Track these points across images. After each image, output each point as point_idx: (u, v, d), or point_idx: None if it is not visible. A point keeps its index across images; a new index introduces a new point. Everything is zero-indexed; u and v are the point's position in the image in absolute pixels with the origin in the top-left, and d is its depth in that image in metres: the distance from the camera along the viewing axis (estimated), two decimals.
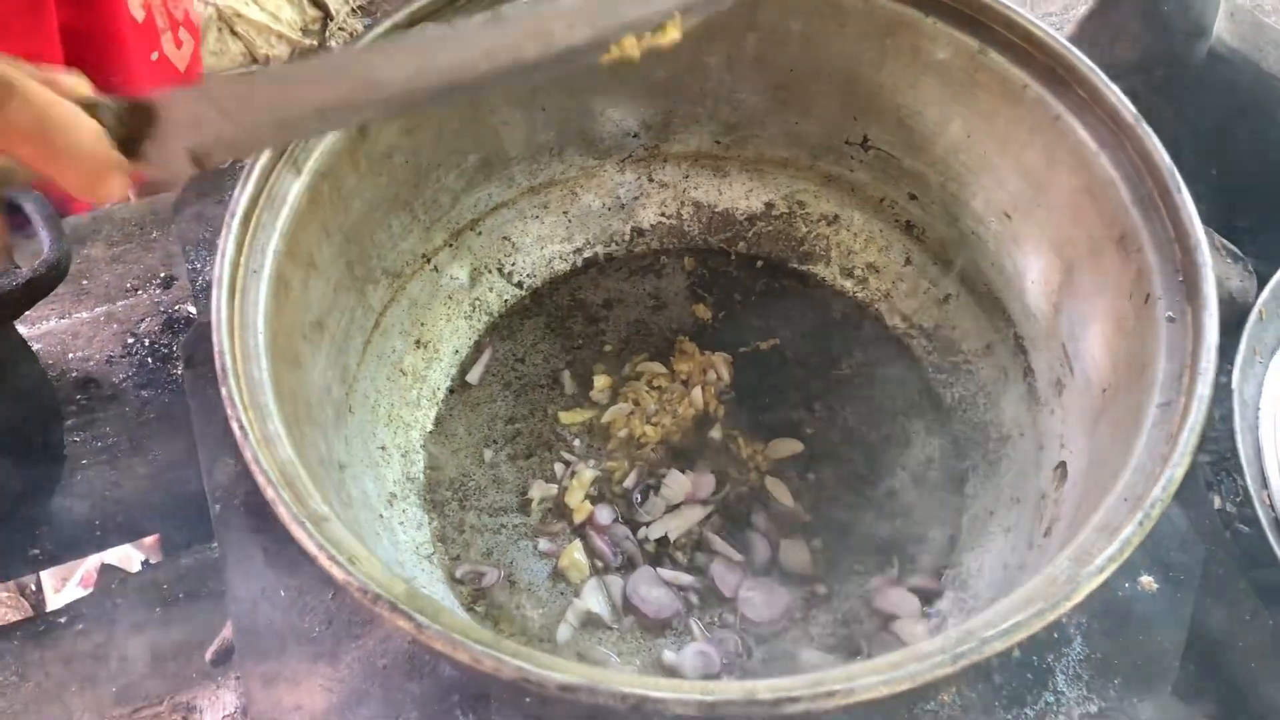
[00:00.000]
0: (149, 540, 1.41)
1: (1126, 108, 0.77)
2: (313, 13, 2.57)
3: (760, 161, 1.01)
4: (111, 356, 1.22)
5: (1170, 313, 0.70)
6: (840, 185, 1.00)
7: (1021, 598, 0.57)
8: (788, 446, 0.93)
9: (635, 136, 0.99)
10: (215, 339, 0.66)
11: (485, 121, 0.91)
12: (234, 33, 2.44)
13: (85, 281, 1.34)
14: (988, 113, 0.86)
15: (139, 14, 1.27)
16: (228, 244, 0.70)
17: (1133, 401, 0.70)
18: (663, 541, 0.88)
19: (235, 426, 0.63)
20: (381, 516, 0.85)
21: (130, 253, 1.38)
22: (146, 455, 1.10)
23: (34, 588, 1.67)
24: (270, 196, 0.74)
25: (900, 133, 0.93)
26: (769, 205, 1.03)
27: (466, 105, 0.88)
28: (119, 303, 1.30)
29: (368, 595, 0.57)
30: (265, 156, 0.73)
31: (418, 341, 0.95)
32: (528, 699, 0.56)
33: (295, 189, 0.75)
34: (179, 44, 1.38)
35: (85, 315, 1.27)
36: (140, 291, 1.32)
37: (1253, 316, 1.04)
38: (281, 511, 0.60)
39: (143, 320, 1.24)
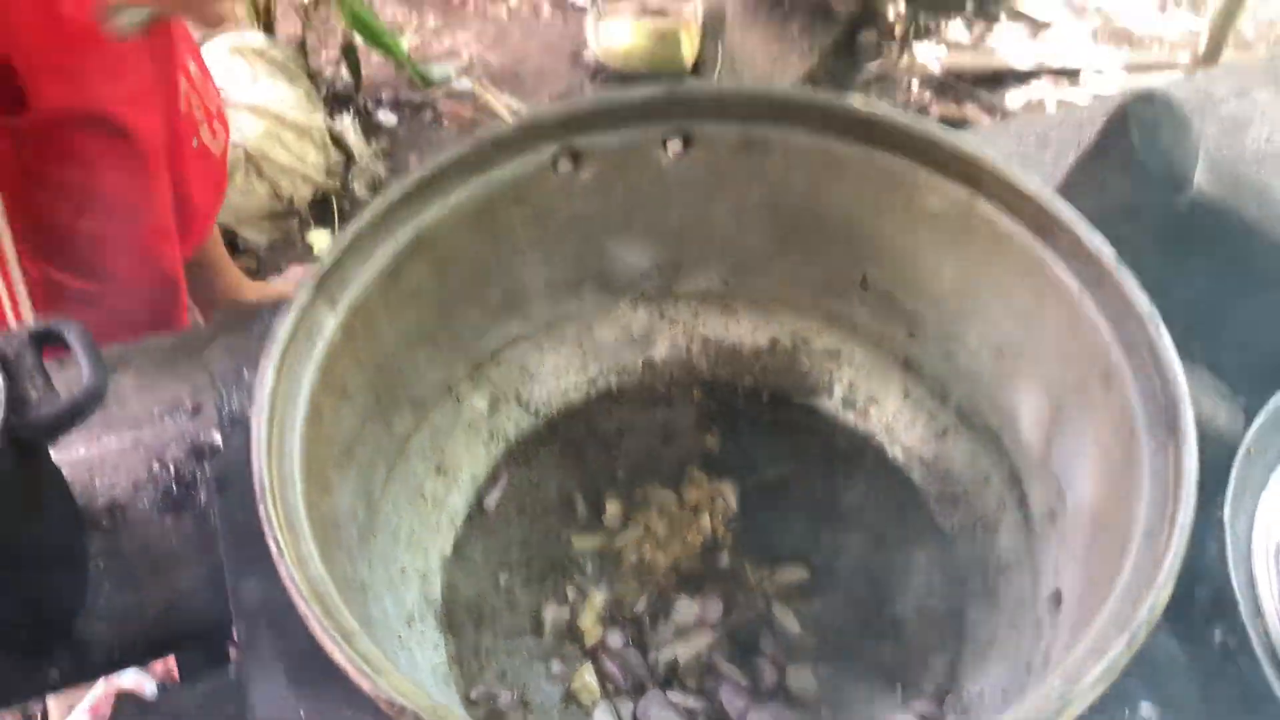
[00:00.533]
0: (162, 664, 1.42)
1: (1107, 254, 0.83)
2: (336, 156, 2.68)
3: (766, 300, 1.07)
4: (137, 481, 1.25)
5: (1152, 446, 0.75)
6: (842, 323, 1.05)
7: (1013, 718, 0.60)
8: (794, 574, 0.96)
9: (648, 277, 1.05)
10: (255, 463, 0.71)
11: (510, 262, 0.97)
12: (260, 174, 2.55)
13: (114, 408, 1.39)
14: (979, 258, 0.92)
15: (182, 106, 1.43)
16: (267, 373, 0.75)
17: (1120, 530, 0.74)
18: (672, 665, 0.90)
19: (272, 544, 0.67)
20: (400, 637, 0.88)
21: (159, 382, 1.43)
22: (167, 579, 1.13)
23: (40, 717, 1.67)
24: (308, 330, 0.79)
25: (898, 275, 0.99)
26: (774, 341, 1.08)
27: (493, 247, 0.95)
28: (146, 430, 1.34)
29: (395, 708, 0.60)
30: (304, 294, 0.79)
31: (438, 468, 0.99)
32: None
33: (331, 324, 0.81)
34: (214, 134, 1.60)
35: (113, 441, 1.31)
36: (167, 419, 1.37)
37: (1240, 453, 1.08)
38: (314, 626, 0.63)
39: (168, 447, 1.28)
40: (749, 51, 3.27)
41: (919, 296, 0.99)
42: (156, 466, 1.27)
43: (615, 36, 2.97)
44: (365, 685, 0.61)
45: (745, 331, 1.09)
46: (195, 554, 1.13)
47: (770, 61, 3.28)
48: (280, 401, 0.75)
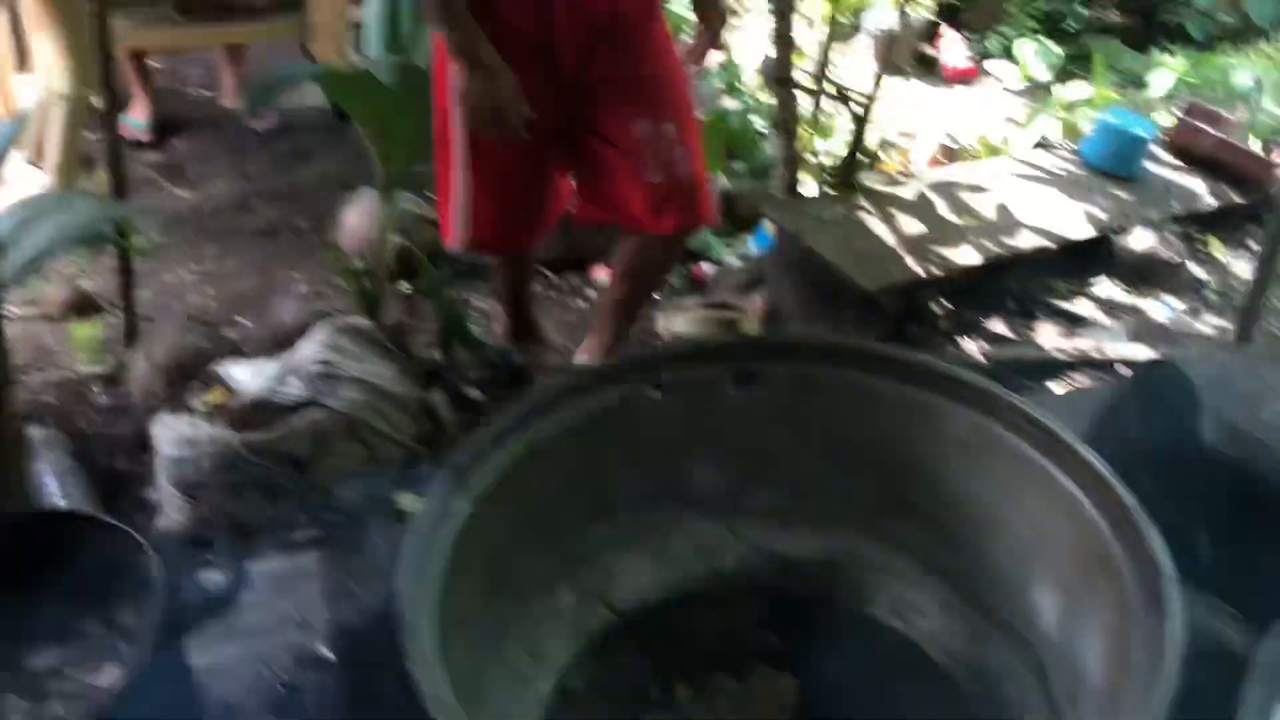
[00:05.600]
0: None
1: (1100, 465, 1.00)
2: (427, 425, 2.94)
3: (822, 519, 1.23)
4: (251, 688, 1.40)
5: (1144, 618, 0.88)
6: (888, 539, 1.21)
7: None
8: None
9: (720, 494, 1.23)
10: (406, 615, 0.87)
11: (601, 475, 1.16)
12: (361, 440, 2.80)
13: (234, 621, 1.56)
14: (998, 476, 1.09)
15: None
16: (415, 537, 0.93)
17: (1125, 692, 0.86)
18: None
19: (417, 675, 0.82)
20: None
21: (274, 601, 1.61)
22: None
23: None
24: (443, 513, 0.98)
25: (931, 494, 1.16)
26: (829, 556, 1.24)
27: (588, 460, 1.14)
28: (260, 641, 1.51)
29: None
30: (443, 483, 0.98)
31: (529, 651, 1.14)
32: None
33: (460, 512, 1.00)
34: None
35: (230, 650, 1.47)
36: (277, 633, 1.53)
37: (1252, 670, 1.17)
38: None
39: (278, 658, 1.43)
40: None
41: (950, 513, 1.15)
42: (266, 673, 1.42)
43: (681, 323, 3.27)
44: None
45: (805, 546, 1.25)
46: None
47: None
48: (419, 573, 0.92)
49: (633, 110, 1.71)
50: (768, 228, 3.90)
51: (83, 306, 3.68)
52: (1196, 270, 4.02)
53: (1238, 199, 4.17)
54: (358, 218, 3.97)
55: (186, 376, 3.46)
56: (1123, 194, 4.12)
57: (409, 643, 0.84)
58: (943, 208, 3.86)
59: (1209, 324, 3.72)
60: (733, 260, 3.95)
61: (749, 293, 3.67)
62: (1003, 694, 1.09)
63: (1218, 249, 4.12)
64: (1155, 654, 0.85)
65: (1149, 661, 0.85)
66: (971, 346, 3.60)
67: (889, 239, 3.67)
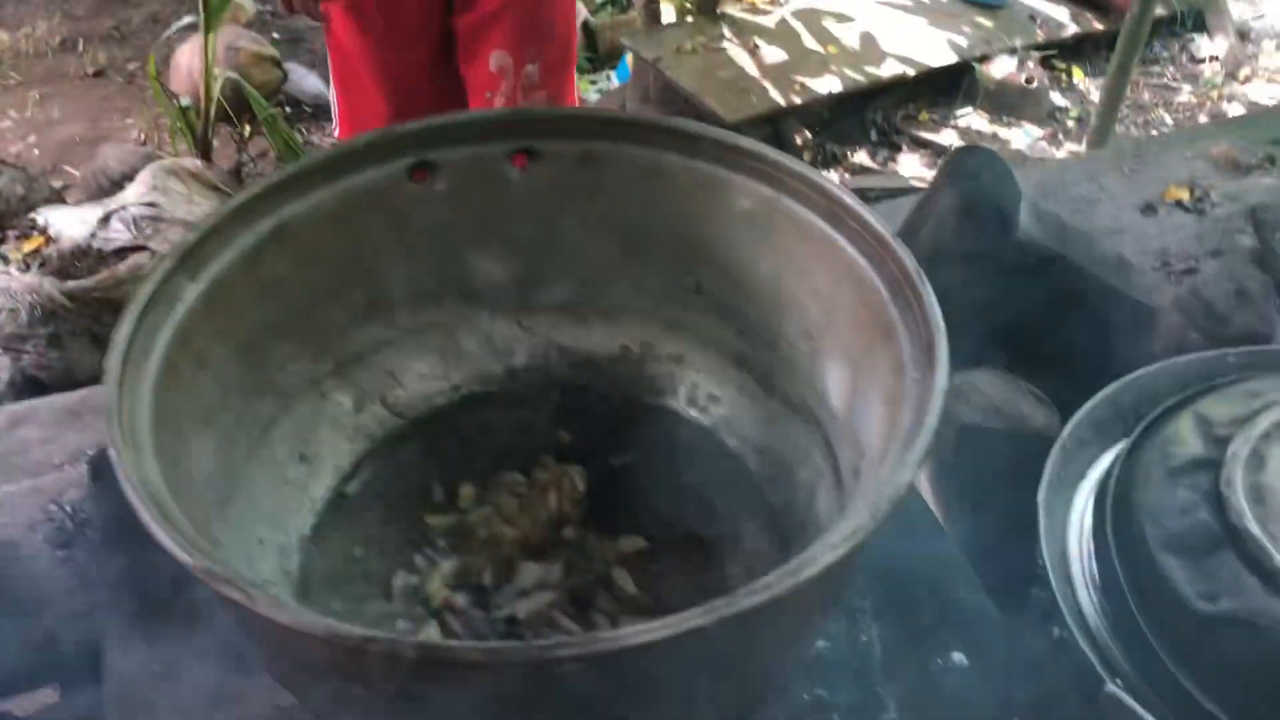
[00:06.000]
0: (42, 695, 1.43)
1: (884, 230, 0.94)
2: None
3: (615, 310, 1.17)
4: (33, 522, 1.31)
5: (915, 377, 0.85)
6: (683, 328, 1.16)
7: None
8: (633, 543, 1.04)
9: (505, 287, 1.15)
10: (109, 398, 0.79)
11: (370, 266, 1.07)
12: None
13: (16, 459, 1.46)
14: (786, 249, 1.04)
15: None
16: (125, 326, 0.83)
17: (892, 450, 0.83)
18: (512, 621, 0.97)
19: (112, 450, 0.74)
20: None
21: (62, 435, 1.51)
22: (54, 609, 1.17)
23: None
24: (169, 296, 0.88)
25: (724, 277, 1.10)
26: (625, 348, 1.18)
27: (352, 249, 1.05)
28: (46, 477, 1.41)
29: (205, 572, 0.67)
30: (168, 263, 0.89)
31: (301, 455, 1.06)
32: None
33: (191, 292, 0.90)
34: None
35: (11, 488, 1.37)
36: (68, 468, 1.44)
37: (1056, 448, 1.17)
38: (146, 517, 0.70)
39: (66, 491, 1.34)
40: None
41: (743, 295, 1.10)
42: (53, 508, 1.33)
43: None
44: (182, 556, 0.68)
45: (599, 340, 1.19)
46: (81, 587, 1.18)
47: None
48: (138, 348, 0.83)
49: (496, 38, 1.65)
50: (629, 61, 3.77)
51: None
52: (1057, 98, 4.03)
53: (1099, 25, 4.16)
54: (189, 57, 3.71)
55: (1, 226, 3.24)
56: (986, 22, 4.08)
57: (109, 423, 0.76)
58: (806, 36, 3.78)
59: (1067, 150, 3.74)
60: (592, 96, 3.82)
61: None
62: (793, 475, 1.06)
63: (1079, 76, 4.13)
64: (922, 409, 0.81)
65: (915, 419, 0.81)
66: (834, 177, 3.56)
67: (751, 69, 3.59)
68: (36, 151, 3.58)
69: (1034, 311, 1.40)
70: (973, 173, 1.43)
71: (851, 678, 0.98)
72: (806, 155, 3.63)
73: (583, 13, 4.03)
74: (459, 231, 1.10)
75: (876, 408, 0.93)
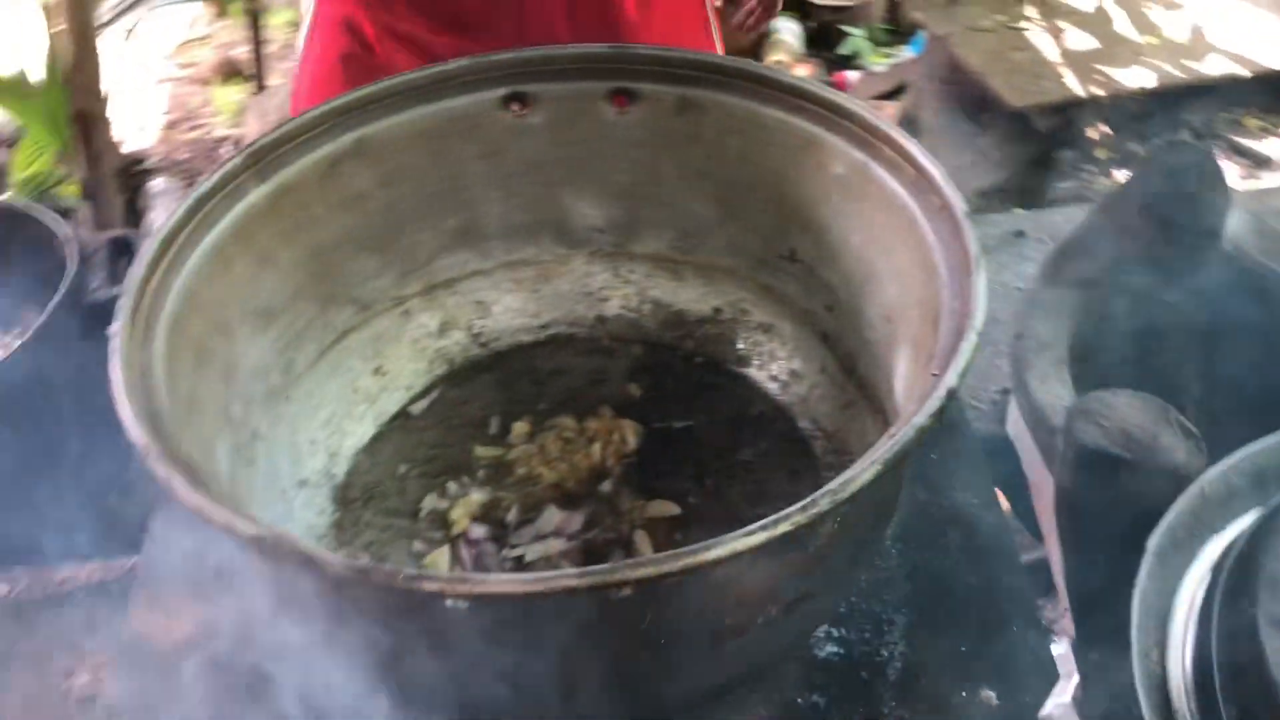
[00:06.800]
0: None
1: (960, 208, 0.84)
2: None
3: (711, 269, 1.12)
4: None
5: (935, 372, 0.75)
6: (775, 296, 1.09)
7: None
8: (665, 508, 0.99)
9: (603, 232, 1.13)
10: (132, 275, 0.84)
11: (463, 194, 1.08)
12: None
13: None
14: (874, 222, 0.95)
15: None
16: (180, 209, 0.88)
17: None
18: (520, 562, 0.95)
19: (115, 325, 0.79)
20: (285, 493, 0.98)
21: None
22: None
23: None
24: (232, 191, 0.93)
25: (818, 246, 1.02)
26: (716, 310, 1.13)
27: (443, 174, 1.06)
28: None
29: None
30: (237, 159, 0.93)
31: (377, 369, 1.09)
32: None
33: (258, 191, 0.94)
34: None
35: None
36: None
37: (1190, 491, 1.02)
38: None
39: None
40: (938, 158, 3.28)
41: (834, 268, 1.02)
42: None
43: None
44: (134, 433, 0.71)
45: (692, 298, 1.14)
46: None
47: (957, 169, 3.27)
48: (186, 230, 0.88)
49: None
50: (925, 36, 3.60)
51: (230, 72, 3.81)
52: None
53: None
54: None
55: None
56: None
57: (123, 298, 0.81)
58: (1122, 22, 3.45)
59: None
60: (881, 68, 3.68)
61: (888, 100, 3.41)
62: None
63: None
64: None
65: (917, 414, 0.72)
66: None
67: (1050, 52, 3.32)
68: None
69: (1219, 336, 1.21)
70: (1174, 170, 1.25)
71: (859, 690, 0.89)
72: (1102, 152, 3.33)
73: None
74: (556, 168, 1.09)
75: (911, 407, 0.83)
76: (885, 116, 2.90)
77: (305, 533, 0.97)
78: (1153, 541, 0.97)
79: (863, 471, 0.67)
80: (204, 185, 0.91)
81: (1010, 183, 3.24)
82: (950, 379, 0.72)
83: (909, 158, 0.90)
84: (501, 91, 1.04)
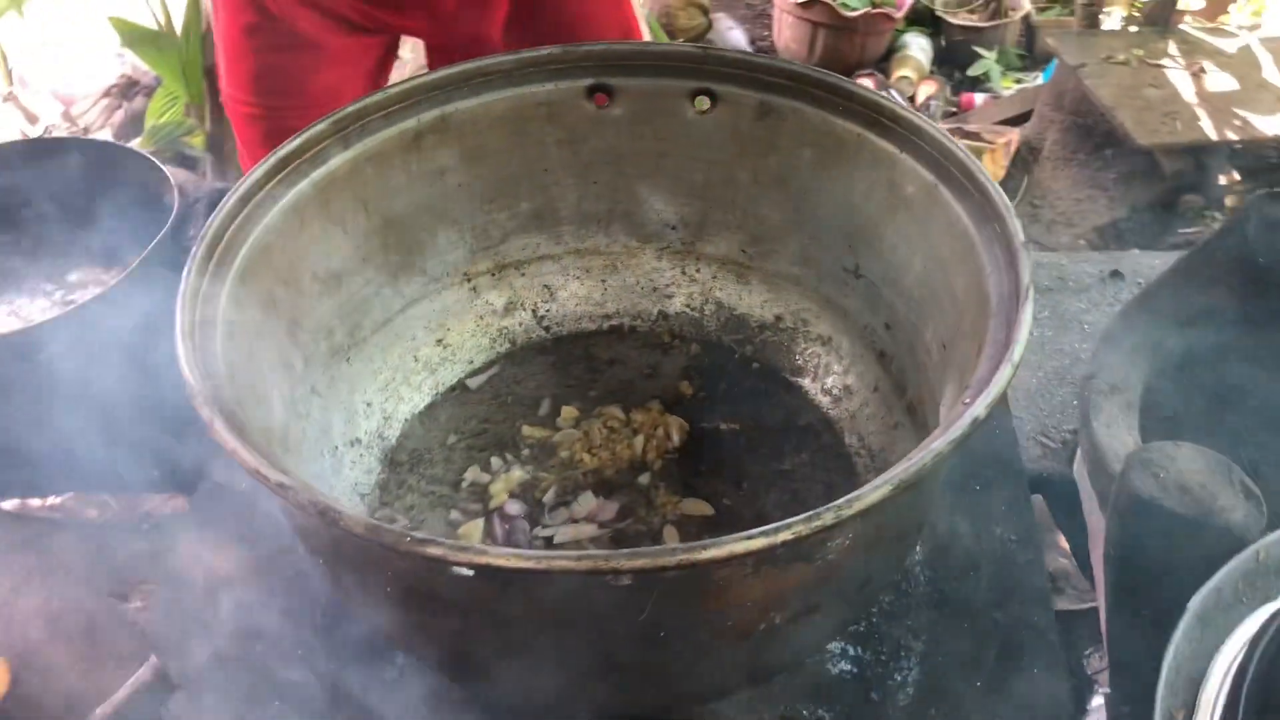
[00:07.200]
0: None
1: (1018, 239, 0.83)
2: None
3: (777, 276, 1.12)
4: None
5: (966, 401, 0.74)
6: (836, 309, 1.09)
7: None
8: (699, 508, 1.00)
9: (674, 229, 1.14)
10: (209, 226, 0.88)
11: (540, 178, 1.10)
12: None
13: None
14: (938, 245, 0.94)
15: None
16: (260, 168, 0.92)
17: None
18: (550, 543, 0.97)
19: (184, 273, 0.83)
20: (336, 449, 1.01)
21: None
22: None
23: None
24: (314, 155, 0.96)
25: (882, 264, 1.02)
26: (778, 318, 1.13)
27: (522, 157, 1.08)
28: None
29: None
30: (320, 124, 0.97)
31: (439, 341, 1.13)
32: None
33: (340, 157, 0.98)
34: None
35: None
36: None
37: (1243, 554, 0.99)
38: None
39: None
40: (1055, 189, 3.21)
41: (896, 288, 1.01)
42: None
43: None
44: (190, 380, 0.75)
45: (756, 303, 1.15)
46: None
47: (1075, 202, 3.20)
48: (268, 185, 0.92)
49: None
50: (1057, 64, 3.51)
51: None
52: None
53: None
54: None
55: None
56: None
57: (196, 245, 0.85)
58: (1270, 68, 3.31)
59: None
60: (1009, 93, 3.61)
61: (1011, 126, 3.34)
62: None
63: None
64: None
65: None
66: None
67: (1186, 91, 3.21)
68: None
69: None
70: (1271, 222, 1.21)
71: (867, 711, 0.89)
72: (1231, 200, 3.20)
73: (1024, 6, 3.80)
74: (633, 161, 1.10)
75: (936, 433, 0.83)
76: (1006, 142, 2.81)
77: (351, 489, 1.01)
78: (1195, 601, 0.95)
79: (872, 490, 0.66)
80: (287, 146, 0.95)
81: (1129, 223, 3.14)
82: (978, 409, 0.71)
83: (976, 183, 0.89)
84: (587, 81, 1.06)
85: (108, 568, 1.22)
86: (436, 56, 1.50)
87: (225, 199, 0.90)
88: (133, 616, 1.11)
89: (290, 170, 0.95)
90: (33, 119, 3.19)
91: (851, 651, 0.93)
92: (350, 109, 0.99)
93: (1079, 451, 1.23)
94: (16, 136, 3.19)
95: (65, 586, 1.32)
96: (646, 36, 1.56)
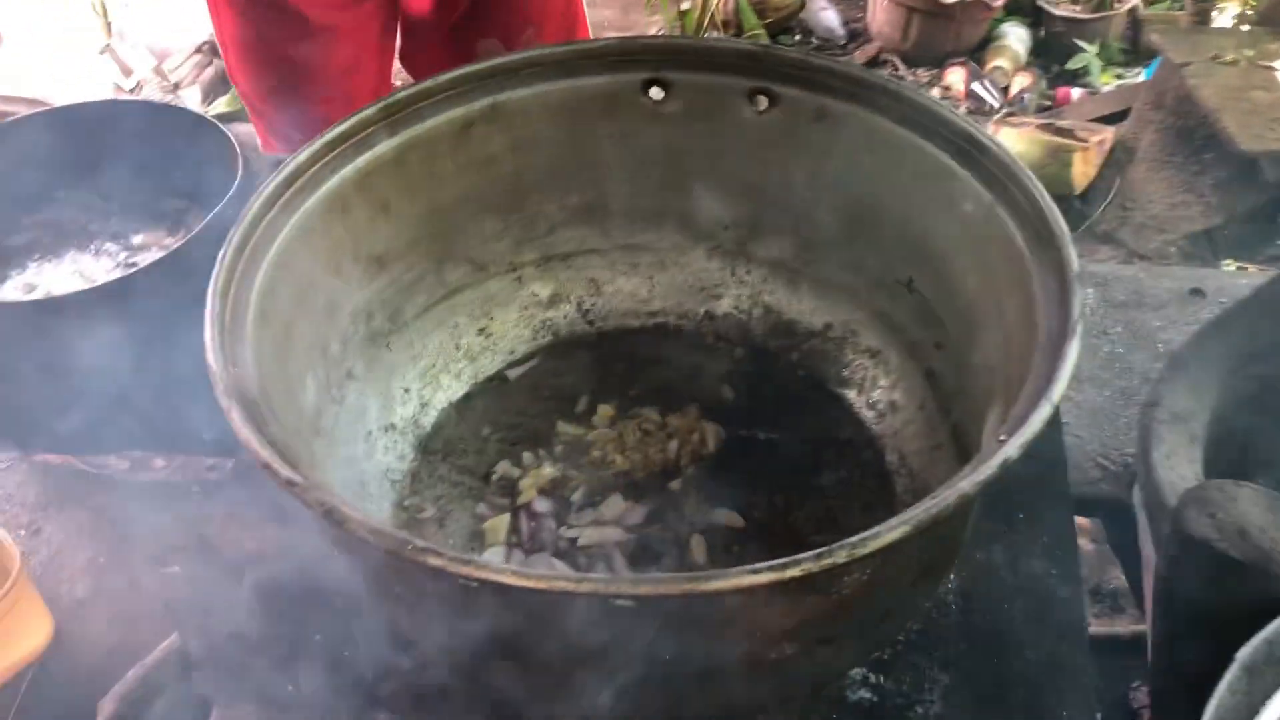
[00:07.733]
0: None
1: (1073, 268, 0.79)
2: None
3: (828, 284, 1.09)
4: None
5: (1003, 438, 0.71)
6: (887, 322, 1.05)
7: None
8: (729, 518, 0.98)
9: (726, 229, 1.12)
10: (248, 209, 0.88)
11: (591, 171, 1.09)
12: None
13: None
14: (992, 267, 0.90)
15: None
16: (305, 151, 0.92)
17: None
18: (574, 544, 0.96)
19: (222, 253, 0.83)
20: (370, 434, 1.01)
21: None
22: None
23: None
24: (360, 140, 0.96)
25: (936, 280, 0.98)
26: (827, 326, 1.10)
27: (573, 148, 1.06)
28: None
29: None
30: (369, 110, 0.96)
31: (482, 330, 1.12)
32: None
33: (387, 143, 0.97)
34: None
35: None
36: None
37: None
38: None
39: None
40: (1148, 192, 3.09)
41: (949, 306, 0.97)
42: None
43: (1009, 140, 2.93)
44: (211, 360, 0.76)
45: (804, 309, 1.12)
46: None
47: (1169, 207, 3.09)
48: (312, 169, 0.92)
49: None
50: (1160, 61, 3.37)
51: None
52: None
53: None
54: None
55: None
56: None
57: (234, 230, 0.85)
58: None
59: None
60: (1108, 89, 3.48)
61: (1107, 124, 3.23)
62: None
63: None
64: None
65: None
66: None
67: None
68: None
69: None
70: None
71: None
72: None
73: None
74: (687, 158, 1.08)
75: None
76: (1100, 140, 2.70)
77: (383, 475, 1.01)
78: (1243, 652, 0.90)
79: (888, 531, 0.64)
80: (334, 130, 0.94)
81: (1225, 231, 3.02)
82: (1010, 449, 0.68)
83: (1036, 207, 0.85)
84: (643, 75, 1.03)
85: (153, 529, 1.24)
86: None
87: (266, 181, 0.90)
88: (162, 586, 1.13)
89: (335, 155, 0.95)
90: (127, 71, 3.26)
91: (873, 679, 0.90)
92: (400, 95, 0.98)
93: (1138, 479, 1.18)
94: (110, 88, 3.26)
95: (112, 544, 1.35)
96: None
